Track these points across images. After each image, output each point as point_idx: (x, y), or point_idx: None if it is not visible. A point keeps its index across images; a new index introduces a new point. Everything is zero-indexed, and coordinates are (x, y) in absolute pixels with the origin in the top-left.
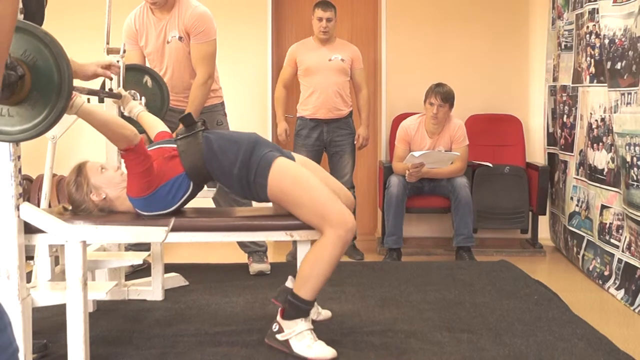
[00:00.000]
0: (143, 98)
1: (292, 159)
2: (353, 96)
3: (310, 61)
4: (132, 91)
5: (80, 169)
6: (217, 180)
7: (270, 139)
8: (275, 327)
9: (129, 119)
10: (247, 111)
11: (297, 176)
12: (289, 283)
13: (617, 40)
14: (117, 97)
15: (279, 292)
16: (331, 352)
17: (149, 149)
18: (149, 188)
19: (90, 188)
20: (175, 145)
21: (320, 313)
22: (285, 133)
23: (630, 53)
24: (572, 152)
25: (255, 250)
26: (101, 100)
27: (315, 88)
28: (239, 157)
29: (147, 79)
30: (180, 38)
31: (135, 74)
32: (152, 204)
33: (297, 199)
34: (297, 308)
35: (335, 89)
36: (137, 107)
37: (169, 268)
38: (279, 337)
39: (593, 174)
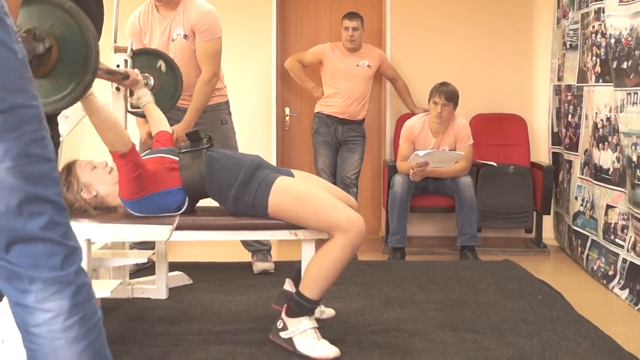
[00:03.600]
0: (151, 78)
1: (292, 176)
2: (370, 102)
3: (337, 66)
4: (146, 74)
5: (69, 168)
6: (211, 198)
7: (274, 137)
8: (279, 324)
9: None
10: (252, 111)
11: (298, 192)
12: (287, 286)
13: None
14: (126, 77)
15: (279, 295)
16: (334, 351)
17: (149, 157)
18: (140, 192)
19: (81, 186)
20: (177, 158)
21: (324, 312)
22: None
23: (637, 52)
24: (576, 151)
25: (259, 249)
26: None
27: (340, 91)
28: (238, 179)
29: (161, 64)
30: (185, 36)
31: (149, 58)
32: (143, 207)
33: (302, 214)
34: (302, 306)
35: (357, 96)
36: (146, 96)
37: (173, 266)
38: (283, 334)
39: (598, 174)
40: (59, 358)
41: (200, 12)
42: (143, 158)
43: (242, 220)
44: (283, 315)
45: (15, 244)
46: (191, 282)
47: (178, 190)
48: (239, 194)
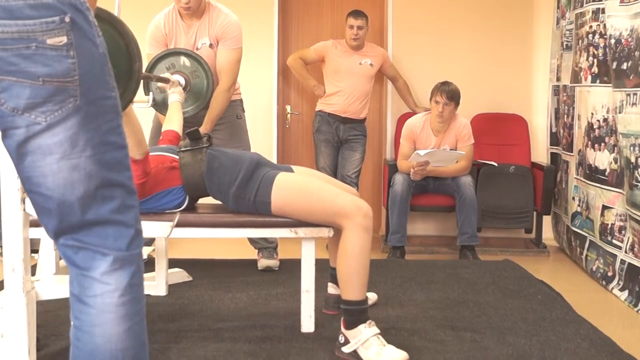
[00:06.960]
0: (182, 78)
1: (292, 172)
2: (371, 101)
3: (339, 64)
4: (178, 76)
5: None
6: (212, 197)
7: (275, 135)
8: (341, 339)
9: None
10: (253, 108)
11: (300, 185)
12: (330, 290)
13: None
14: (166, 81)
15: (326, 300)
16: (402, 355)
17: (151, 154)
18: (142, 196)
19: None
20: (177, 157)
21: (368, 297)
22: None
23: (637, 53)
24: (572, 152)
25: (265, 247)
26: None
27: (342, 90)
28: (238, 177)
29: (183, 60)
30: (210, 45)
31: (170, 59)
32: (143, 207)
33: (306, 206)
34: (354, 313)
35: (359, 95)
36: (174, 95)
37: (172, 263)
38: (345, 349)
39: (593, 175)
40: (105, 332)
41: (227, 21)
42: None
43: (242, 217)
44: (342, 329)
45: (88, 226)
46: (191, 279)
47: (178, 189)
48: (240, 192)
